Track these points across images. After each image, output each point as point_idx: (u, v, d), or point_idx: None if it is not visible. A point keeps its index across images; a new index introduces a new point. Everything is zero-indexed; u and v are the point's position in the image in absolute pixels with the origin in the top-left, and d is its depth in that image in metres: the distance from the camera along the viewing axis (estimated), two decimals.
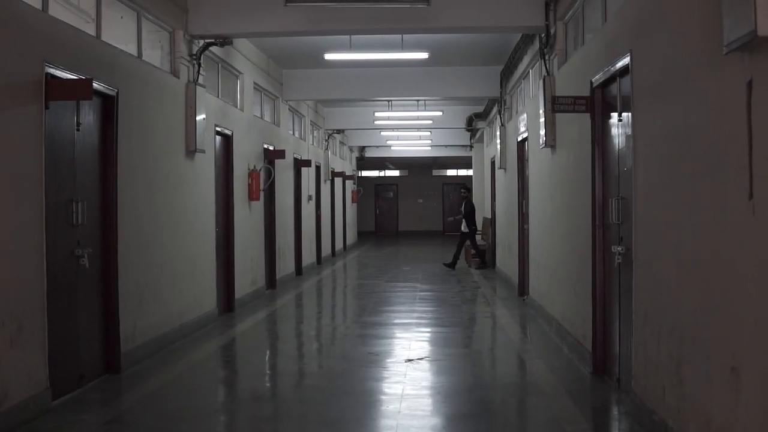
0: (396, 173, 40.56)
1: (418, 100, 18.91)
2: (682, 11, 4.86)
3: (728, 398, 4.10)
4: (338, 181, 25.19)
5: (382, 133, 25.07)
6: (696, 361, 4.60)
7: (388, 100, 18.82)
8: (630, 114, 6.05)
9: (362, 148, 31.28)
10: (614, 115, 6.72)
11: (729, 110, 4.06)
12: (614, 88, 6.71)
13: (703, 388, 4.48)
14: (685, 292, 4.82)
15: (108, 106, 7.53)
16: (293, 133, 17.64)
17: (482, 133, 22.44)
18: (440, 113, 20.01)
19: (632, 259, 5.97)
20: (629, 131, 6.11)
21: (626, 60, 6.05)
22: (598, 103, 7.28)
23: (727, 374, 4.11)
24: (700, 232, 4.54)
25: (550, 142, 9.51)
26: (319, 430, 6.12)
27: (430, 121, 21.21)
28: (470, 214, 19.48)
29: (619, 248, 6.46)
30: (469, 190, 21.04)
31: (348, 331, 10.76)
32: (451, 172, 39.85)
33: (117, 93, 7.59)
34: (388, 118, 20.48)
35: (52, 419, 6.02)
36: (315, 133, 20.70)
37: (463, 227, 19.53)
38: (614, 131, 6.83)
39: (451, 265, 19.10)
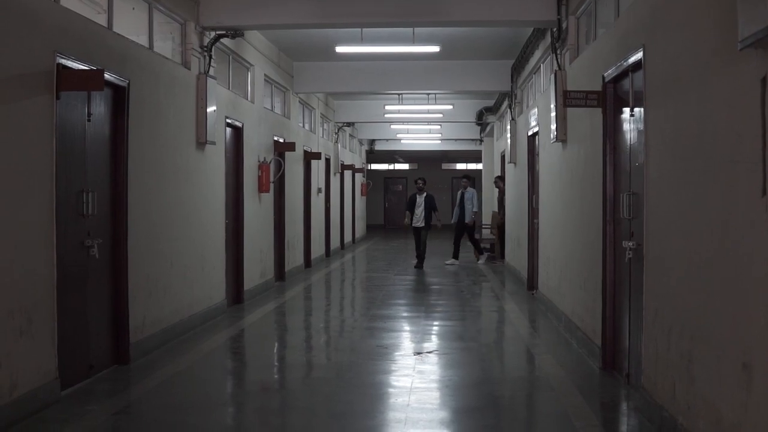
0: (405, 166, 40.53)
1: (428, 94, 18.86)
2: (695, 6, 4.83)
3: (739, 395, 4.08)
4: (348, 173, 25.18)
5: (393, 126, 25.05)
6: (706, 357, 4.59)
7: (399, 94, 18.78)
8: (642, 109, 6.02)
9: (372, 141, 31.25)
10: (626, 110, 6.70)
11: (742, 106, 4.03)
12: (626, 83, 6.68)
13: (714, 385, 4.46)
14: (696, 288, 4.80)
15: (119, 97, 7.54)
16: (303, 126, 17.64)
17: (492, 127, 22.41)
18: (451, 107, 19.97)
19: (643, 254, 5.95)
20: (641, 126, 6.08)
21: (639, 55, 6.02)
22: (610, 98, 7.25)
23: (738, 371, 4.09)
24: (712, 228, 4.52)
25: (561, 137, 9.49)
26: (328, 423, 6.13)
27: (441, 115, 21.17)
28: (431, 208, 18.13)
29: (630, 244, 6.43)
30: (426, 181, 19.01)
31: (356, 324, 10.76)
32: (460, 166, 39.77)
33: (128, 84, 7.60)
34: (399, 112, 20.46)
35: (60, 409, 6.04)
36: (325, 126, 20.69)
37: (418, 221, 18.13)
38: (626, 126, 6.80)
39: (419, 266, 17.90)
